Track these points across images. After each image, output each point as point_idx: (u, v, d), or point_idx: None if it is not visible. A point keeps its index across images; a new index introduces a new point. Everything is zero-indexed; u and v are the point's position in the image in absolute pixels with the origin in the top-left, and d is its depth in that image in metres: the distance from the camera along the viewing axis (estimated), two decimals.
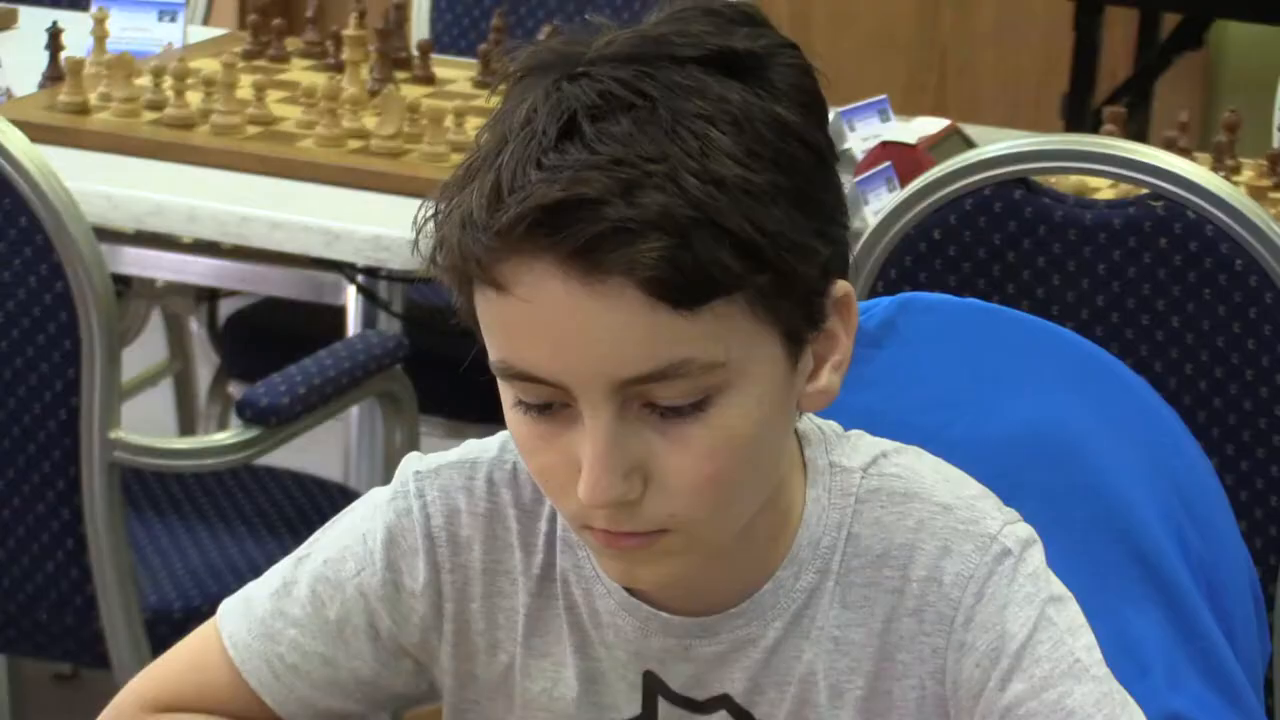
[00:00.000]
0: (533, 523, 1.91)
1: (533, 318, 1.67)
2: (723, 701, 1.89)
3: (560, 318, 1.66)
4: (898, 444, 1.92)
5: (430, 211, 1.73)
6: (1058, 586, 1.86)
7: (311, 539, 1.98)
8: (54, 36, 4.09)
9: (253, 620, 1.95)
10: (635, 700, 1.91)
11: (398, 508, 1.93)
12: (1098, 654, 1.85)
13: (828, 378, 1.79)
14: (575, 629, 1.91)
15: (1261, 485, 3.03)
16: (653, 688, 1.90)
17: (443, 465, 1.93)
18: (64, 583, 3.33)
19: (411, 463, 1.95)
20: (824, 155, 1.74)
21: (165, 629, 3.31)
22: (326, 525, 1.99)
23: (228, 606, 1.98)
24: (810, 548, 1.86)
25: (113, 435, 3.26)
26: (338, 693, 1.96)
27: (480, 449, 1.94)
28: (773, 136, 1.68)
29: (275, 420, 3.39)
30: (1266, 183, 3.75)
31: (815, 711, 1.87)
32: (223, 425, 4.11)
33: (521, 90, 1.71)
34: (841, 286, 1.77)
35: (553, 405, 1.71)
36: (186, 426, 4.88)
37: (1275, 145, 3.93)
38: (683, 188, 1.63)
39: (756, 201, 1.65)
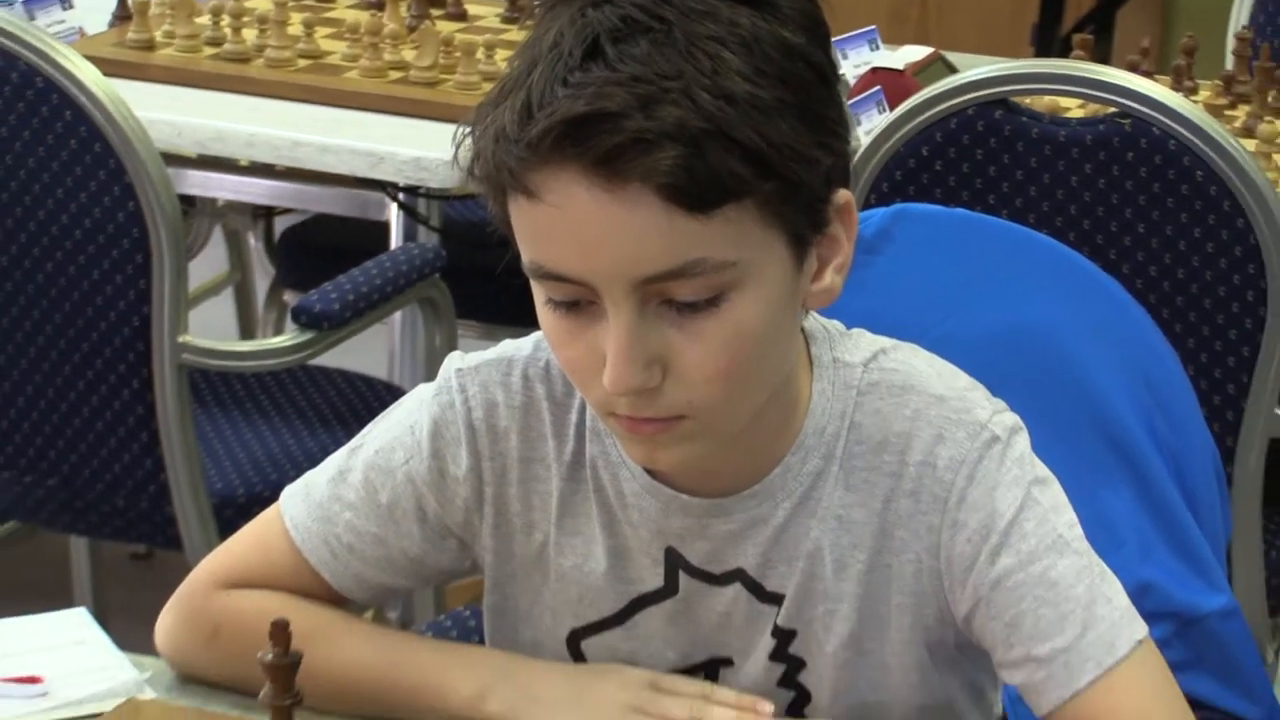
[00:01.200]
0: (564, 414, 1.92)
1: (560, 222, 1.68)
2: (737, 575, 1.89)
3: (585, 221, 1.67)
4: (895, 341, 1.92)
5: (468, 129, 1.74)
6: (1041, 469, 1.87)
7: (364, 431, 1.98)
8: None
9: (311, 505, 1.96)
10: (658, 573, 1.91)
11: (442, 402, 1.93)
12: (1078, 530, 1.85)
13: (831, 278, 1.79)
14: (603, 510, 1.91)
15: (1219, 374, 3.04)
16: (674, 562, 1.90)
17: (482, 363, 1.93)
18: (139, 472, 3.34)
19: (454, 361, 1.94)
20: (826, 74, 1.75)
21: (231, 513, 3.30)
22: (377, 418, 1.99)
23: (289, 493, 1.99)
24: (816, 435, 1.86)
25: (181, 340, 3.26)
26: (389, 569, 1.97)
27: (516, 348, 1.94)
28: (779, 57, 1.69)
29: (327, 325, 3.39)
30: (1222, 101, 3.75)
31: (821, 584, 1.87)
32: (279, 330, 4.09)
33: (550, 18, 1.71)
34: (843, 195, 1.78)
35: (579, 302, 1.72)
36: (246, 331, 4.87)
37: (1228, 67, 3.90)
38: (696, 102, 1.64)
39: (764, 115, 1.66)
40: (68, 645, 2.11)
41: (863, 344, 1.91)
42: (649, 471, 1.88)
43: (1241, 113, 3.68)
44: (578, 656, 1.96)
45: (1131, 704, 1.80)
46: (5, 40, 3.18)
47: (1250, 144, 3.24)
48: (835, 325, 1.92)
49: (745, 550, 1.89)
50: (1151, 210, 3.03)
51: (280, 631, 1.82)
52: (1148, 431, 2.30)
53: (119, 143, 3.17)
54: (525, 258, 1.73)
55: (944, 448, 1.84)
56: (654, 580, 1.92)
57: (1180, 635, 2.20)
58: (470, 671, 1.94)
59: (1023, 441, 1.86)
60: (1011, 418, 1.87)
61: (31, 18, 3.55)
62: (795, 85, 1.70)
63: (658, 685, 1.89)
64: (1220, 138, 2.99)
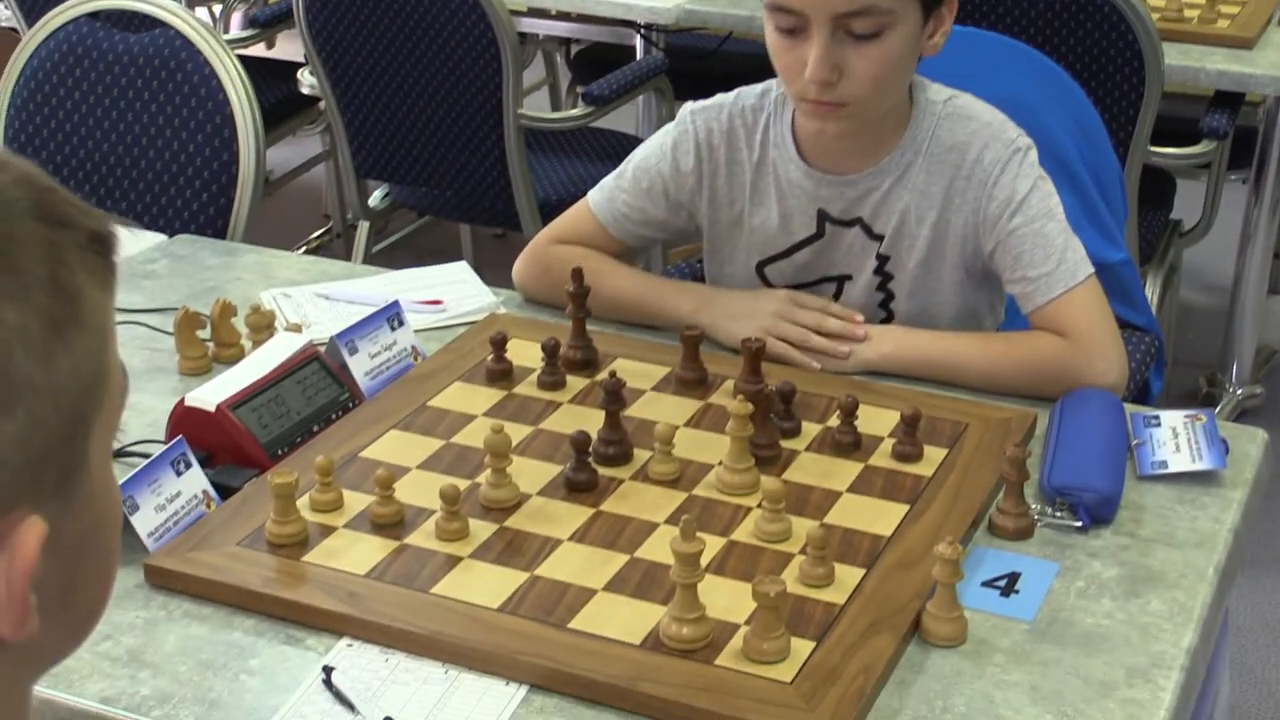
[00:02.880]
0: (753, 135, 1.86)
1: None
2: (858, 221, 1.84)
3: None
4: (960, 91, 1.85)
5: None
6: (1043, 172, 1.80)
7: (633, 152, 1.93)
8: None
9: (604, 193, 1.91)
10: (810, 226, 1.85)
11: (679, 129, 1.88)
12: (1061, 209, 1.79)
13: (938, 39, 1.77)
14: (777, 189, 1.85)
15: (1117, 125, 2.95)
16: (822, 217, 1.84)
17: (706, 105, 1.89)
18: (497, 185, 3.22)
19: (688, 106, 1.90)
20: None
21: (548, 209, 3.19)
22: (642, 144, 1.93)
23: (593, 190, 1.94)
24: (910, 140, 1.80)
25: (518, 111, 3.14)
26: (646, 227, 1.92)
27: (725, 98, 1.89)
28: None
29: (601, 103, 3.27)
30: None
31: (908, 228, 1.83)
32: (573, 106, 3.94)
33: None
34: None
35: (795, 30, 1.69)
36: (555, 107, 4.74)
37: None
38: None
39: None
40: (456, 283, 2.04)
41: (942, 92, 1.83)
42: (806, 163, 1.82)
43: None
44: (762, 277, 1.90)
45: (1085, 306, 1.75)
46: None
47: None
48: (927, 80, 1.83)
49: (864, 208, 1.82)
50: (1070, 23, 2.87)
51: (577, 273, 1.78)
52: (1080, 158, 2.17)
53: (485, 3, 3.03)
54: (765, 1, 1.70)
55: (988, 152, 1.78)
56: (808, 230, 1.85)
57: (1100, 275, 2.05)
58: (688, 296, 1.87)
59: (1034, 154, 1.80)
60: (1028, 140, 1.80)
61: None
62: None
63: (796, 300, 1.82)
64: None
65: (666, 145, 1.87)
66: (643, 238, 1.93)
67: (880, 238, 1.83)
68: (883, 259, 1.84)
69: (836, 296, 1.88)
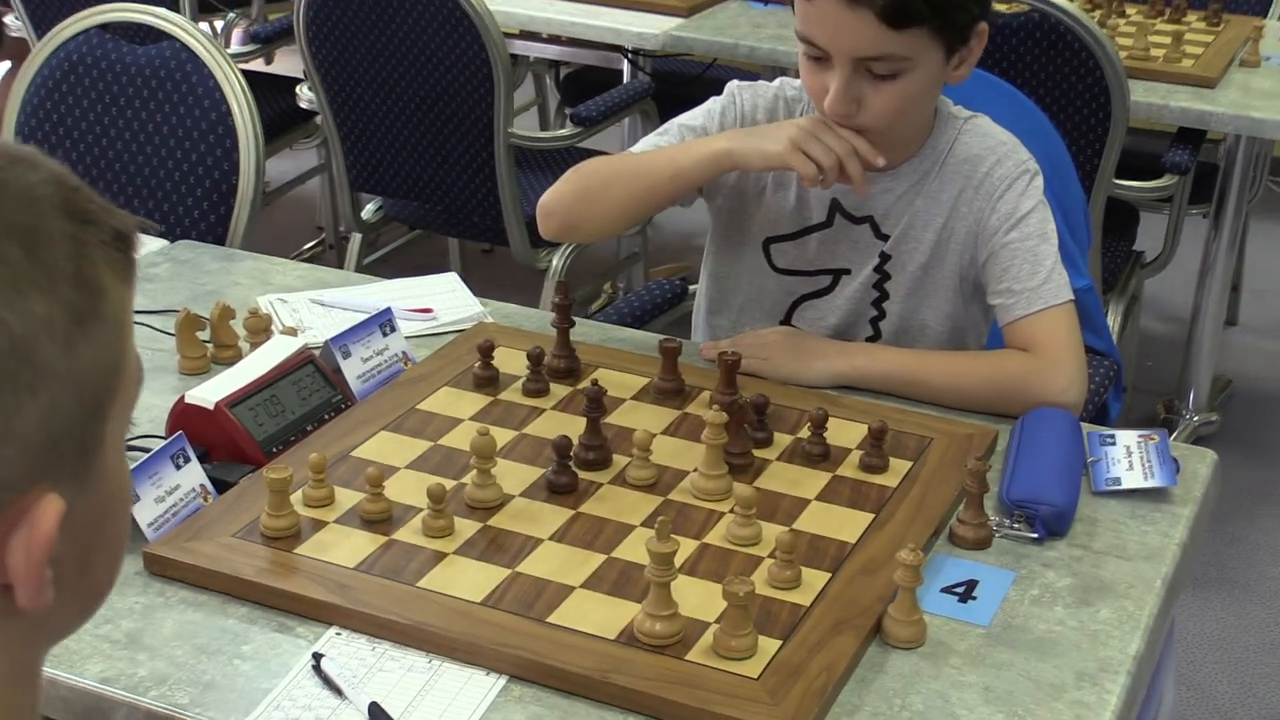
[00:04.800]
0: (791, 119, 1.86)
1: (822, 19, 1.70)
2: (868, 219, 1.88)
3: (834, 22, 1.69)
4: (977, 113, 1.90)
5: None
6: (1045, 199, 1.84)
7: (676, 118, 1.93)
8: None
9: (644, 145, 1.90)
10: (824, 213, 1.89)
11: (726, 100, 1.92)
12: (1055, 235, 1.83)
13: (964, 70, 1.78)
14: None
15: (1083, 159, 2.96)
16: (834, 207, 1.88)
17: (752, 84, 1.91)
18: (485, 201, 3.24)
19: (733, 83, 1.93)
20: None
21: (536, 226, 3.21)
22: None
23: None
24: (931, 150, 1.85)
25: (509, 130, 3.16)
26: None
27: (769, 82, 1.92)
28: None
29: (589, 124, 3.31)
30: (1087, 6, 3.52)
31: (914, 231, 1.87)
32: (562, 126, 3.97)
33: None
34: (983, 25, 1.77)
35: (821, 58, 1.73)
36: (544, 127, 4.76)
37: None
38: None
39: None
40: (445, 293, 2.06)
41: (963, 111, 1.88)
42: None
43: (1098, 13, 3.47)
44: (766, 254, 1.93)
45: (1059, 326, 1.78)
46: None
47: (1103, 31, 3.06)
48: (949, 99, 1.88)
49: (877, 207, 1.86)
50: (1042, 59, 2.91)
51: (561, 287, 1.75)
52: (1049, 190, 2.18)
53: (479, 25, 3.06)
54: (799, 30, 1.73)
55: (1000, 168, 1.83)
56: (820, 217, 1.89)
57: None
58: (717, 137, 1.82)
59: (1040, 180, 1.84)
60: (1037, 166, 1.85)
61: None
62: None
63: (824, 123, 1.75)
64: (1087, 22, 2.88)
65: (714, 110, 1.90)
66: None
67: (886, 237, 1.87)
68: (885, 256, 1.88)
69: (831, 290, 1.92)
